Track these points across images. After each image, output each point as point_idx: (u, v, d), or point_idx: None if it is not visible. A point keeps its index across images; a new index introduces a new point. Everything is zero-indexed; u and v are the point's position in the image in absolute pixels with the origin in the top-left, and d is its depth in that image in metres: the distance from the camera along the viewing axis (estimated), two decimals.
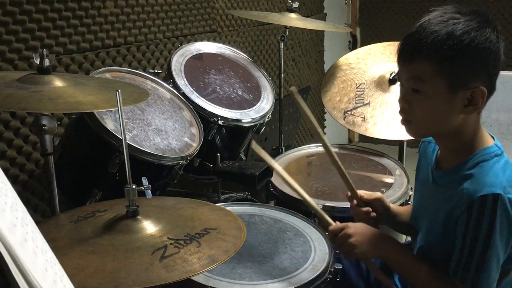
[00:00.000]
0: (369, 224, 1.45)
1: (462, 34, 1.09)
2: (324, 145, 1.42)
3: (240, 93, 2.07)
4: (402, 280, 1.39)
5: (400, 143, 2.24)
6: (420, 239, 1.34)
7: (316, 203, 1.40)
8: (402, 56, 1.18)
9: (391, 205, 1.49)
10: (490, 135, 1.24)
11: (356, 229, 1.27)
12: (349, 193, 1.44)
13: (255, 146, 1.30)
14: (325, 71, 3.00)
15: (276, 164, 1.40)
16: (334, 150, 2.15)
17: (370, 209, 1.43)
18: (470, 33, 1.10)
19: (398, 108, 1.24)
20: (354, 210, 1.46)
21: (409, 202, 1.80)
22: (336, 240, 1.28)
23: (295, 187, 1.36)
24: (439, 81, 1.12)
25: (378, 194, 1.46)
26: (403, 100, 1.20)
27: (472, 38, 1.09)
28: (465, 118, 1.16)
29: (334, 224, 1.31)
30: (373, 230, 1.32)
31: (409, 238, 1.60)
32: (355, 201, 1.44)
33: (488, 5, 3.83)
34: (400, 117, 1.24)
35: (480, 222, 1.09)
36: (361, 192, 1.44)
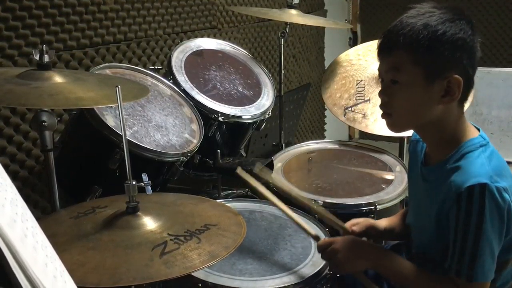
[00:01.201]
0: None
1: (437, 25, 1.13)
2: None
3: (240, 89, 2.07)
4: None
5: (400, 139, 2.23)
6: (417, 237, 1.34)
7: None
8: (382, 50, 1.21)
9: (385, 223, 1.50)
10: (475, 126, 1.25)
11: (343, 243, 1.27)
12: (342, 232, 1.46)
13: (240, 171, 1.36)
14: (326, 68, 2.99)
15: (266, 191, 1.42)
16: (334, 146, 2.18)
17: (365, 238, 1.44)
18: (444, 24, 1.13)
19: None
20: None
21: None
22: (324, 255, 1.29)
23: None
24: (415, 70, 1.15)
25: (368, 222, 1.47)
26: (383, 93, 1.22)
27: (446, 28, 1.12)
28: (444, 109, 1.17)
29: (322, 239, 1.32)
30: (360, 242, 1.33)
31: None
32: None
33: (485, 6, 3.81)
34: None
35: (469, 213, 1.09)
36: (351, 226, 1.45)
